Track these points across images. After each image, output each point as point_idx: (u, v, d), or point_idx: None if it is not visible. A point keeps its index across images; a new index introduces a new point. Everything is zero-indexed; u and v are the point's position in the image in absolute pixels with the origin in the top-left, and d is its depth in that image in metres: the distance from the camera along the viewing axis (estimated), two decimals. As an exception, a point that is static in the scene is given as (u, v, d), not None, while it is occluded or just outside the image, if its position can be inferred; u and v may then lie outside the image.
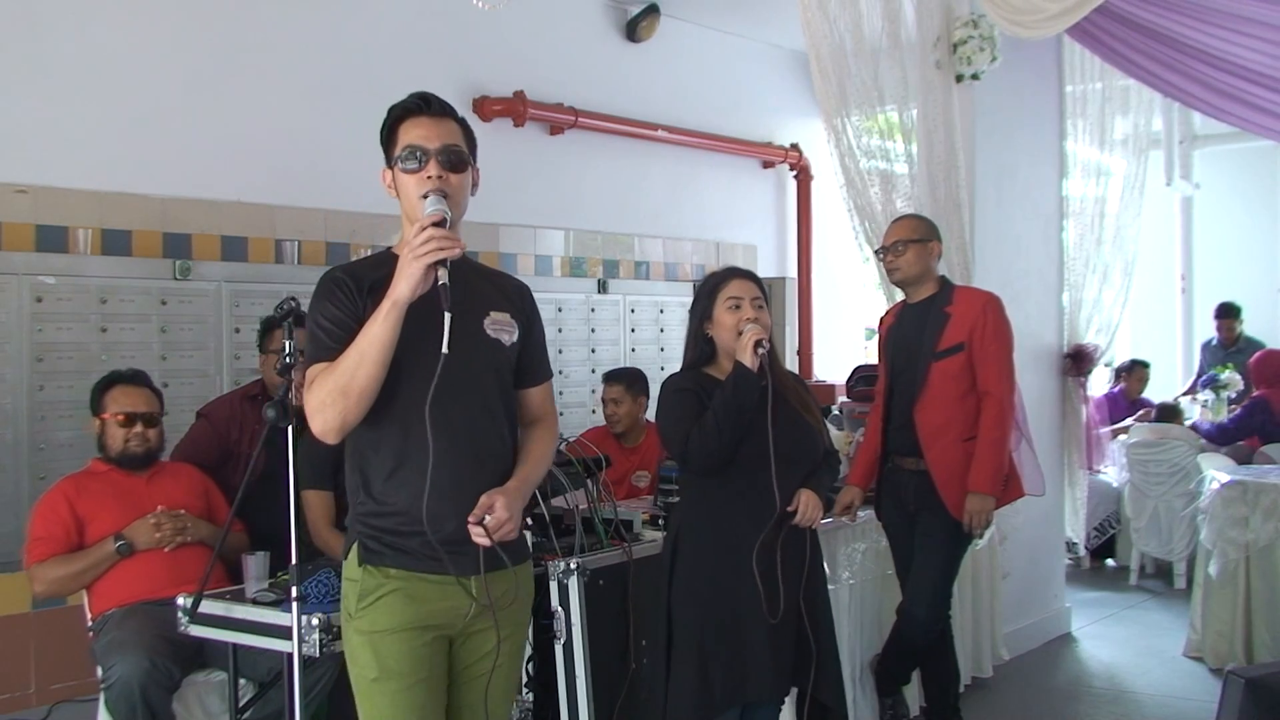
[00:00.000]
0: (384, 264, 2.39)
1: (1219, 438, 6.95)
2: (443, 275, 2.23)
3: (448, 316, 2.21)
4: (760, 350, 3.03)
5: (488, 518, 2.29)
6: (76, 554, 3.57)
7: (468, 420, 2.37)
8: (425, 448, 2.24)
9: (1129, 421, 7.62)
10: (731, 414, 3.01)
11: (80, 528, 3.60)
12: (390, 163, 2.42)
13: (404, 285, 2.22)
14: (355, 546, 2.39)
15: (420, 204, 2.32)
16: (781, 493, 3.04)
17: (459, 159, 2.39)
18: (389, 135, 2.43)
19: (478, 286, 2.47)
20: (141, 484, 3.71)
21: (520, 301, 2.55)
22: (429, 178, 2.35)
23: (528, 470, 2.46)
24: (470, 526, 2.29)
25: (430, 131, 2.38)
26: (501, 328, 2.46)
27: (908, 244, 4.11)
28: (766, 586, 3.01)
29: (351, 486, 2.42)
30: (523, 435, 2.55)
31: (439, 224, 2.24)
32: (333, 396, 2.25)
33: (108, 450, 3.72)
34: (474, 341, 2.40)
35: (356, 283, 2.36)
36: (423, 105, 2.42)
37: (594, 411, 6.50)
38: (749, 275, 3.25)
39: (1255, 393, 7.04)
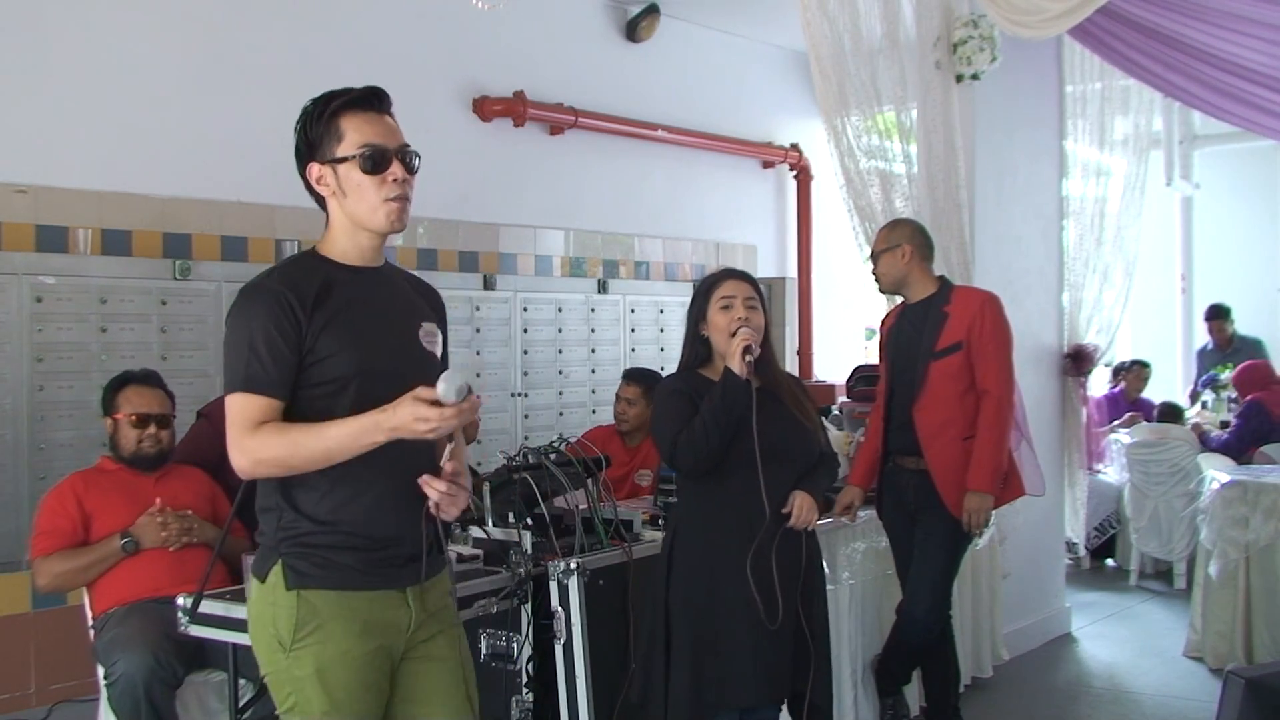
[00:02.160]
0: (317, 270, 2.23)
1: (1231, 454, 6.88)
2: (446, 453, 2.15)
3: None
4: (748, 357, 3.03)
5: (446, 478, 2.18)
6: (81, 549, 3.57)
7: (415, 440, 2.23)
8: (367, 464, 2.14)
9: (1115, 425, 7.62)
10: (719, 420, 3.01)
11: (86, 523, 3.60)
12: (325, 157, 2.22)
13: (400, 431, 2.05)
14: (279, 569, 2.18)
15: (378, 210, 2.20)
16: (771, 497, 3.03)
17: (413, 160, 2.25)
18: (328, 126, 2.22)
19: (406, 295, 2.36)
20: (150, 484, 3.72)
21: (439, 309, 2.44)
22: (394, 180, 2.20)
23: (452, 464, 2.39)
24: (429, 483, 2.16)
25: (384, 129, 2.23)
26: (432, 339, 2.35)
27: (878, 255, 4.18)
28: (762, 592, 3.01)
29: (270, 504, 2.23)
30: None
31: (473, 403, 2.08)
32: (275, 465, 2.14)
33: (120, 450, 3.72)
34: (415, 353, 2.31)
35: (299, 299, 2.16)
36: (374, 99, 2.25)
37: (594, 412, 6.51)
38: (744, 276, 3.25)
39: (1247, 398, 7.05)
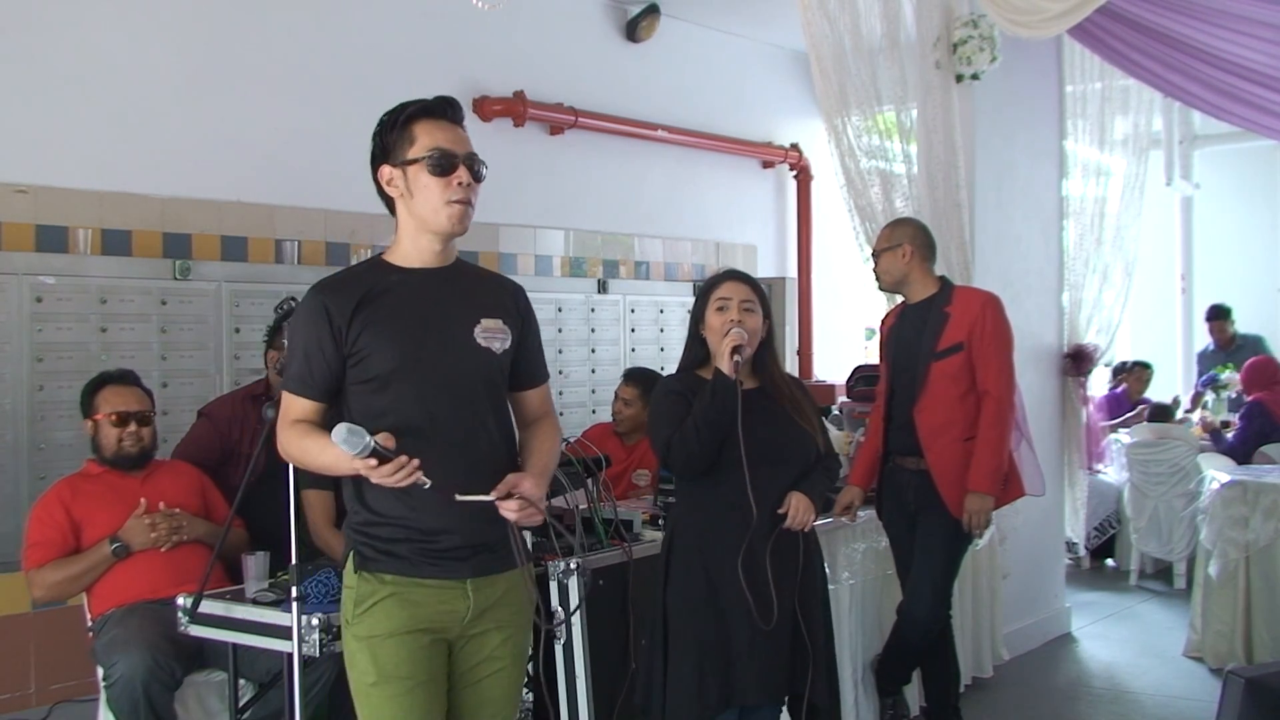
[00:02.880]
0: (374, 276, 2.39)
1: (1235, 456, 6.86)
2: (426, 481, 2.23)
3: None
4: (736, 358, 3.03)
5: (518, 491, 2.29)
6: (73, 558, 3.56)
7: (460, 430, 2.36)
8: (418, 457, 2.22)
9: (1126, 417, 7.61)
10: (709, 421, 3.01)
11: (76, 531, 3.59)
12: (399, 160, 2.36)
13: (371, 477, 2.23)
14: (352, 554, 2.40)
15: (441, 211, 2.34)
16: (764, 499, 3.03)
17: (480, 169, 2.40)
18: (401, 131, 2.36)
19: (470, 291, 2.45)
20: (136, 484, 3.70)
21: (513, 305, 2.52)
22: (459, 184, 2.35)
23: (540, 461, 2.46)
24: (500, 503, 2.28)
25: (454, 136, 2.38)
26: (493, 335, 2.43)
27: (879, 254, 4.19)
28: (754, 592, 3.01)
29: (347, 495, 2.44)
30: (525, 435, 2.54)
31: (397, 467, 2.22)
32: (293, 460, 2.44)
33: (102, 451, 3.71)
34: (465, 350, 2.39)
35: (339, 307, 2.32)
36: (447, 109, 2.40)
37: (594, 411, 6.51)
38: (743, 277, 3.25)
39: (1249, 398, 7.01)
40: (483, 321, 2.43)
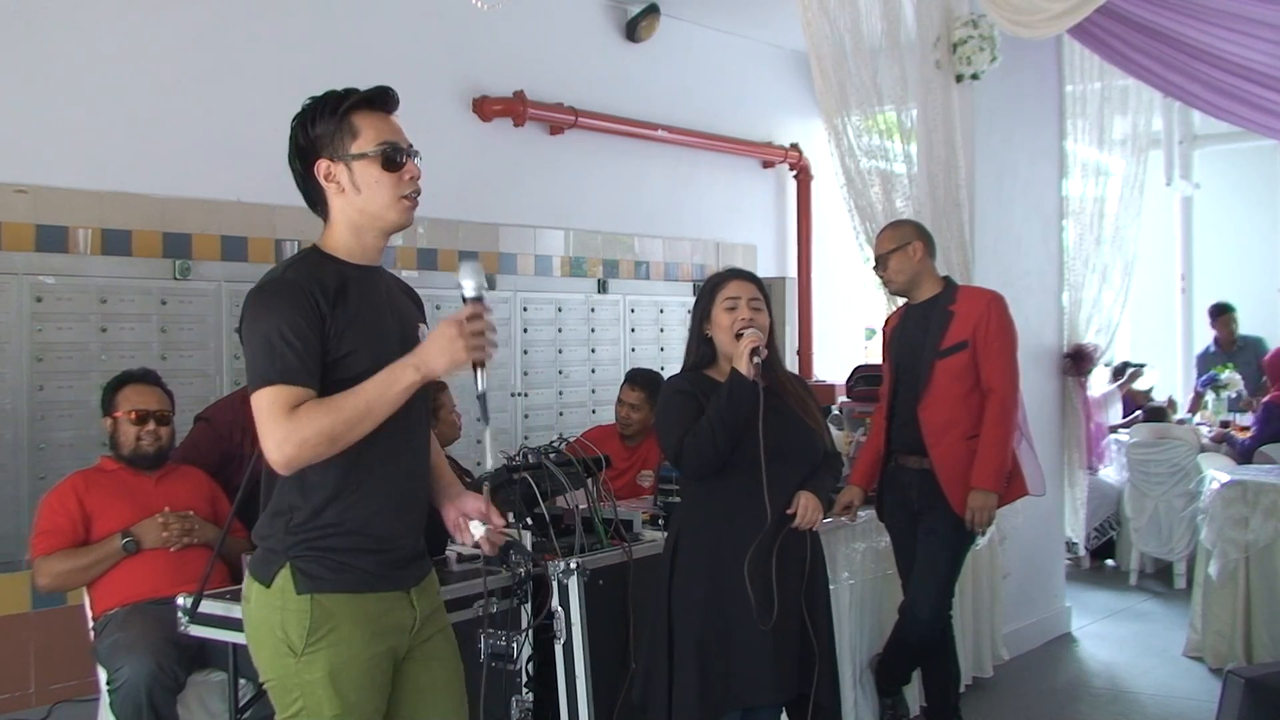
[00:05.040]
0: (327, 268, 2.22)
1: (1247, 455, 6.80)
2: (481, 380, 2.15)
3: (488, 433, 2.16)
4: (756, 359, 3.02)
5: (485, 527, 2.30)
6: (82, 549, 3.57)
7: (411, 437, 2.30)
8: (374, 467, 2.18)
9: (1136, 415, 7.60)
10: (726, 422, 3.00)
11: (87, 523, 3.60)
12: (338, 154, 2.23)
13: (442, 367, 2.11)
14: (287, 573, 2.16)
15: (399, 206, 2.23)
16: (774, 498, 3.03)
17: (418, 159, 2.31)
18: (340, 123, 2.22)
19: (398, 299, 2.38)
20: (150, 484, 3.72)
21: (422, 310, 2.47)
22: (410, 178, 2.24)
23: (450, 473, 2.48)
24: (481, 538, 2.29)
25: (395, 128, 2.27)
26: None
27: (888, 255, 4.15)
28: (758, 592, 3.01)
29: (281, 507, 2.20)
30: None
31: (485, 308, 2.14)
32: (321, 440, 2.08)
33: (120, 449, 3.73)
34: None
35: (321, 292, 2.16)
36: (388, 99, 2.28)
37: (594, 412, 6.51)
38: (748, 276, 3.25)
39: (1267, 397, 6.90)
40: (421, 327, 2.36)
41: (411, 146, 2.28)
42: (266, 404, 2.10)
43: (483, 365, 2.15)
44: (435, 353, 2.12)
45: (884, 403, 4.27)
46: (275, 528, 2.21)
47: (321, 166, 2.24)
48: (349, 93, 2.25)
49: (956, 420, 4.01)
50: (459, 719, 2.38)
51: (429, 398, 2.41)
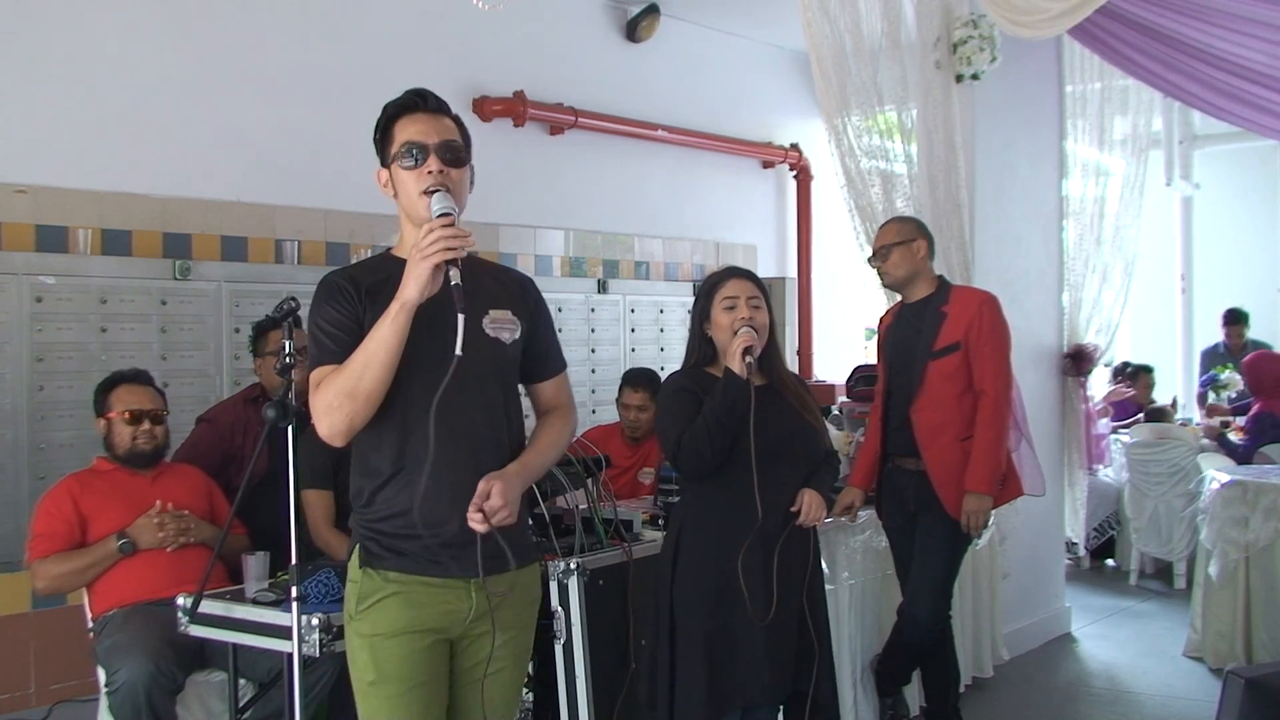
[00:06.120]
0: (381, 267, 2.39)
1: (1241, 459, 6.80)
2: (454, 275, 2.20)
3: (461, 318, 2.18)
4: (748, 358, 3.03)
5: (485, 504, 2.27)
6: (78, 551, 3.57)
7: (467, 422, 2.34)
8: (425, 451, 2.22)
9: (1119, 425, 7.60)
10: (720, 420, 3.01)
11: (83, 525, 3.60)
12: (386, 161, 2.40)
13: (412, 286, 2.20)
14: (357, 549, 2.39)
15: (421, 201, 2.30)
16: (775, 497, 3.03)
17: (457, 154, 2.38)
18: (384, 133, 2.40)
19: (478, 283, 2.42)
20: (146, 483, 3.72)
21: (523, 296, 2.52)
22: (429, 173, 2.32)
23: (530, 456, 2.43)
24: (469, 514, 2.27)
25: (427, 127, 2.36)
26: (501, 326, 2.42)
27: (891, 248, 4.12)
28: (753, 590, 3.01)
29: (354, 489, 2.41)
30: (535, 426, 2.54)
31: (447, 221, 2.23)
32: (340, 399, 2.24)
33: (115, 449, 3.73)
34: (473, 341, 2.33)
35: (355, 286, 2.34)
36: (419, 102, 2.40)
37: (594, 412, 6.50)
38: (747, 275, 3.25)
39: (1255, 407, 6.90)
40: (491, 312, 2.41)
41: (447, 143, 2.36)
42: (311, 387, 2.32)
43: (455, 264, 2.21)
44: (407, 279, 2.22)
45: (879, 402, 4.26)
46: (355, 512, 2.42)
47: (382, 176, 2.44)
48: (391, 103, 2.42)
49: (950, 422, 4.00)
50: (495, 711, 2.45)
51: (497, 402, 2.41)
